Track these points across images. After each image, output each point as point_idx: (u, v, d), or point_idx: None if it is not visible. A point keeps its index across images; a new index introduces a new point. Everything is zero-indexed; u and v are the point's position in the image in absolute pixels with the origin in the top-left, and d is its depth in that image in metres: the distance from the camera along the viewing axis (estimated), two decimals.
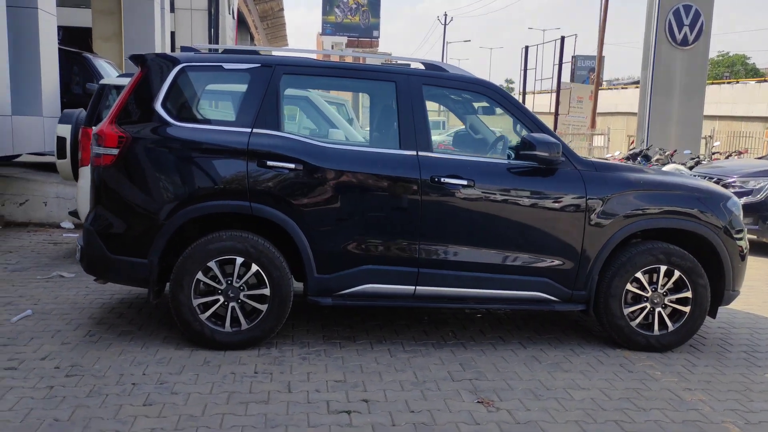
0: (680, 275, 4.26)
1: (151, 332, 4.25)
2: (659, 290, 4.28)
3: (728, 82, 30.60)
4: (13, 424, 2.99)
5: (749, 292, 5.93)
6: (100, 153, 3.97)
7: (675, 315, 4.33)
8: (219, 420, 3.11)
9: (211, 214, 3.98)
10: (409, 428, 3.12)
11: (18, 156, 8.98)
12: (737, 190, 8.28)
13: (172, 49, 15.98)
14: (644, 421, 3.31)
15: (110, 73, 9.94)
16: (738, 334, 4.84)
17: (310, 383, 3.58)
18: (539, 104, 28.29)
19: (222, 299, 3.96)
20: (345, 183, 4.01)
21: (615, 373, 3.93)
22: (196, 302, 3.93)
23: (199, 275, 3.92)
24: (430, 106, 6.83)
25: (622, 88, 37.76)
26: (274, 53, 5.54)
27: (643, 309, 4.29)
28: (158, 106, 3.99)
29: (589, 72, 39.19)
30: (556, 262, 4.18)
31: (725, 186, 8.31)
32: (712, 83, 28.62)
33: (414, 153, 4.09)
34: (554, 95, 22.30)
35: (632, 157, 12.79)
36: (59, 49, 8.99)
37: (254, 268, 3.94)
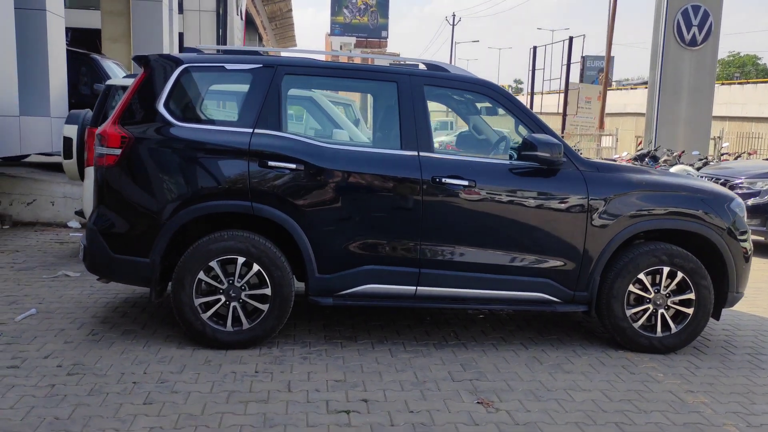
0: (683, 277, 4.24)
1: (154, 331, 4.27)
2: (662, 292, 4.25)
3: (739, 83, 30.39)
4: (14, 423, 3.01)
5: (755, 294, 5.89)
6: (103, 153, 4.00)
7: (678, 317, 4.30)
8: (218, 419, 3.12)
9: (213, 213, 3.99)
10: (407, 428, 3.12)
11: (27, 156, 9.06)
12: (744, 191, 8.23)
13: (180, 50, 16.07)
14: (645, 423, 3.30)
15: (118, 74, 10.02)
16: (742, 336, 4.81)
17: (310, 383, 3.59)
18: (547, 105, 28.22)
19: (223, 299, 3.97)
20: (346, 183, 4.01)
21: (617, 375, 3.91)
22: (197, 302, 3.95)
23: (201, 275, 3.94)
24: (438, 107, 6.83)
25: (632, 88, 37.59)
26: (283, 54, 5.56)
27: (645, 310, 4.27)
28: (161, 107, 4.01)
29: (598, 72, 39.01)
30: (558, 262, 4.17)
31: (732, 187, 8.26)
32: (722, 84, 28.44)
33: (415, 153, 4.08)
34: (562, 95, 22.23)
35: (640, 158, 12.73)
36: (67, 50, 9.07)
37: (256, 267, 3.95)
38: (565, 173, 4.19)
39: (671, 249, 4.24)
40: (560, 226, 4.16)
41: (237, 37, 20.59)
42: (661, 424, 3.29)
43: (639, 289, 4.25)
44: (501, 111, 4.38)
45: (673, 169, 9.72)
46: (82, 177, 6.29)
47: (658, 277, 4.25)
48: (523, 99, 29.46)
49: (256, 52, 4.41)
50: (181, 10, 16.74)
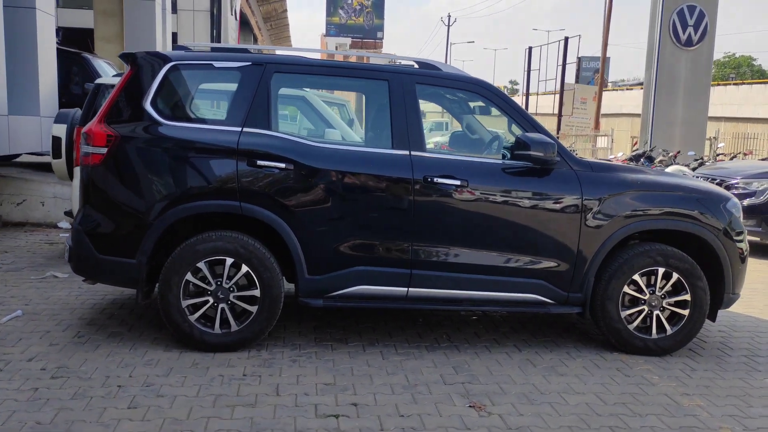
0: (678, 277, 4.18)
1: (141, 333, 4.20)
2: (657, 293, 4.20)
3: (734, 84, 30.44)
4: None
5: (751, 295, 5.84)
6: (89, 152, 3.92)
7: (673, 318, 4.25)
8: (204, 424, 3.05)
9: (201, 213, 3.92)
10: None
11: (17, 156, 8.97)
12: (740, 191, 8.19)
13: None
14: (640, 427, 3.24)
15: (109, 74, 9.92)
16: (739, 337, 4.75)
17: (299, 386, 3.52)
18: (543, 105, 28.22)
19: (212, 300, 3.90)
20: (336, 183, 3.95)
21: (611, 378, 3.85)
22: (185, 303, 3.87)
23: (189, 276, 3.86)
24: (434, 107, 6.77)
25: (627, 89, 37.65)
26: (277, 52, 5.49)
27: (640, 312, 4.21)
28: (147, 105, 3.94)
29: (594, 73, 39.07)
30: (552, 263, 4.11)
31: (728, 188, 8.22)
32: (718, 84, 28.48)
33: (407, 153, 4.02)
34: (558, 96, 22.22)
35: (635, 158, 12.70)
36: (58, 49, 8.98)
37: (244, 268, 3.88)
38: (558, 173, 4.13)
39: (666, 250, 4.19)
40: (554, 227, 4.10)
41: (231, 38, 20.50)
42: (656, 428, 3.23)
43: (634, 290, 4.19)
44: (494, 110, 4.33)
45: (668, 170, 9.68)
46: (71, 177, 6.20)
47: (653, 278, 4.19)
48: (519, 100, 29.44)
49: (245, 50, 4.34)
50: (174, 9, 16.64)
